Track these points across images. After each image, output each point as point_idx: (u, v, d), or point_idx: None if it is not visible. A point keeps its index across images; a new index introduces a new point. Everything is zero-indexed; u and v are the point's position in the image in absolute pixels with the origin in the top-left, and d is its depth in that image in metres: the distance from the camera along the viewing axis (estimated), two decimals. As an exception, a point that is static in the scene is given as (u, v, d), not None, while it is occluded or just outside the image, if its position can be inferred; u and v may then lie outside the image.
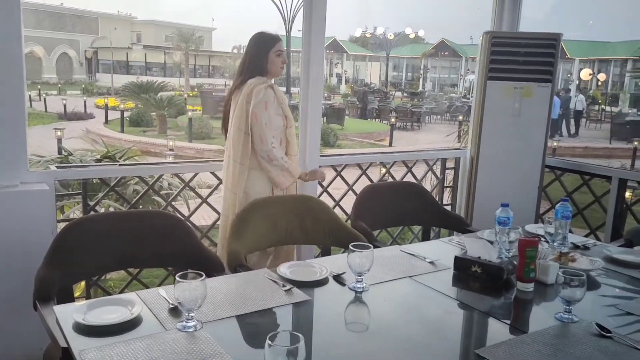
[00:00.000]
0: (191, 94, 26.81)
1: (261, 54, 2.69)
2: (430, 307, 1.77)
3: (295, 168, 2.72)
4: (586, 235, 3.72)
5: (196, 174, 3.24)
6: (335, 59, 38.68)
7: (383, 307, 1.76)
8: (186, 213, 3.25)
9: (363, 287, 1.81)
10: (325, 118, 16.90)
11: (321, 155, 3.46)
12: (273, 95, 2.67)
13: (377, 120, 21.23)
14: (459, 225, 2.97)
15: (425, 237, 3.13)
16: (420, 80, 37.88)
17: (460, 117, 17.54)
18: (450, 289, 1.94)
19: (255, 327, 1.56)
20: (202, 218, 4.60)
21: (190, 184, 3.34)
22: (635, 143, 13.42)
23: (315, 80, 3.28)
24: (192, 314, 1.48)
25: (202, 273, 1.48)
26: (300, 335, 1.17)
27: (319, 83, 3.32)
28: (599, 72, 29.20)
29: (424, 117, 20.77)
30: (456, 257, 2.02)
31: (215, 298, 1.67)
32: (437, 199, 4.20)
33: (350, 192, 3.60)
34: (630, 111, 20.93)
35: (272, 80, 2.78)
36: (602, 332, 1.53)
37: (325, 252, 2.59)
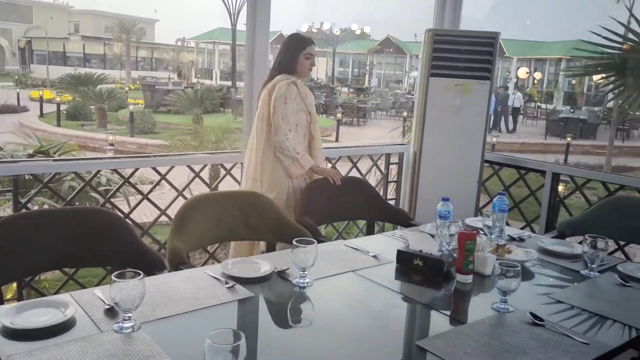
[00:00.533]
0: (133, 87, 25.98)
1: (292, 54, 2.88)
2: (373, 301, 1.79)
3: (307, 160, 2.90)
4: (522, 228, 3.87)
5: (136, 170, 3.14)
6: (282, 53, 38.42)
7: (327, 301, 1.76)
8: (126, 210, 3.15)
9: (307, 283, 1.80)
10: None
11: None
12: (295, 92, 2.85)
13: (323, 115, 21.30)
14: (402, 219, 3.02)
15: (370, 231, 3.17)
16: (367, 76, 38.27)
17: (405, 113, 17.89)
18: (393, 282, 1.97)
19: (197, 325, 1.53)
20: (144, 215, 4.47)
21: (131, 180, 3.23)
22: (568, 139, 14.10)
23: (260, 74, 3.24)
24: (129, 315, 1.43)
25: (140, 272, 1.43)
26: (241, 332, 1.15)
27: (263, 77, 3.28)
28: (535, 70, 30.43)
29: (370, 112, 21.02)
30: (399, 251, 2.05)
31: (154, 297, 1.62)
32: (381, 194, 4.27)
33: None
34: (563, 108, 21.91)
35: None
36: (535, 320, 1.59)
37: (271, 248, 2.57)
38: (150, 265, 2.03)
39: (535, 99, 26.58)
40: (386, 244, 2.29)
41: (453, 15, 4.08)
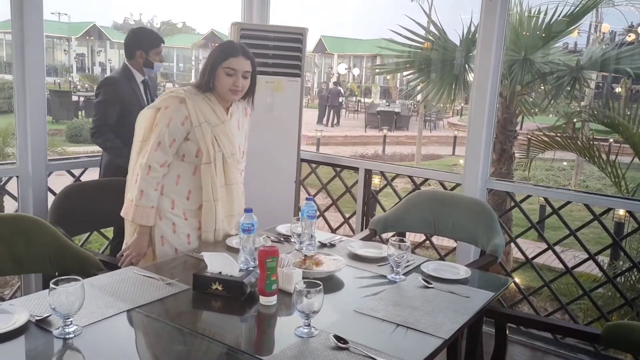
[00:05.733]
0: None
1: (211, 66, 2.19)
2: (154, 346, 1.49)
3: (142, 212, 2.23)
4: (340, 225, 3.87)
5: None
6: (97, 46, 35.52)
7: (97, 354, 1.43)
8: None
9: (74, 332, 1.45)
10: (84, 111, 15.42)
11: (53, 160, 3.01)
12: (185, 114, 2.18)
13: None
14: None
15: (120, 233, 2.90)
16: (193, 71, 37.10)
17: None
18: (189, 313, 1.70)
19: None
20: None
21: None
22: (385, 131, 15.11)
23: (35, 67, 2.79)
24: None
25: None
26: None
27: (38, 71, 2.80)
28: (354, 66, 32.21)
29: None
30: (194, 275, 1.79)
31: None
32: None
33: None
34: (380, 102, 23.50)
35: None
36: (339, 344, 1.45)
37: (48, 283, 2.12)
38: None
39: (356, 93, 28.15)
40: (185, 266, 2.00)
41: (261, 8, 3.91)
